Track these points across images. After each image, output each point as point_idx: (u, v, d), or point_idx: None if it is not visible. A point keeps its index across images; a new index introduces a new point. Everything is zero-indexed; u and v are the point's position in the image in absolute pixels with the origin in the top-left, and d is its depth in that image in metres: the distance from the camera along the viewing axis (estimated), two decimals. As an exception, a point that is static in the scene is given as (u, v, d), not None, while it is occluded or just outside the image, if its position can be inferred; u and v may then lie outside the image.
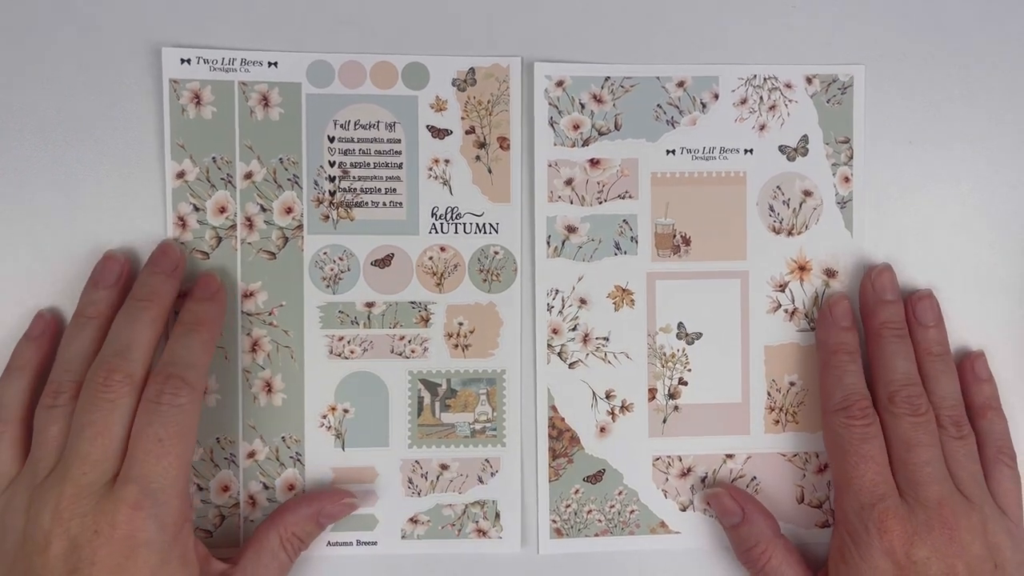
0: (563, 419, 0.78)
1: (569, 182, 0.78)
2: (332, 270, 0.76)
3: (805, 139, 0.78)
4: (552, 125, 0.77)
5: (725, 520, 0.77)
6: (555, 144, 0.78)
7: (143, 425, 0.67)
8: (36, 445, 0.68)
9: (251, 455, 0.76)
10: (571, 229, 0.78)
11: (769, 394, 0.79)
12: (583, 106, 0.78)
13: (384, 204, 0.76)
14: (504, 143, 0.77)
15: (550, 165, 0.78)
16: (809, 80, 0.78)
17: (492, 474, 0.77)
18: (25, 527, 0.65)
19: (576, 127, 0.78)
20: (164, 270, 0.73)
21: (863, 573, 0.69)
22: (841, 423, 0.72)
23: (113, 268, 0.73)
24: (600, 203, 0.78)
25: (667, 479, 0.79)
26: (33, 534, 0.64)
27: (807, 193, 0.78)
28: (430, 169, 0.76)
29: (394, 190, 0.76)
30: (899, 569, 0.68)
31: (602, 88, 0.78)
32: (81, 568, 0.63)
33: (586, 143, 0.78)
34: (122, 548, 0.64)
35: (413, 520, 0.77)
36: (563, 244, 0.78)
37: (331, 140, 0.76)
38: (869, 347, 0.76)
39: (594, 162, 0.78)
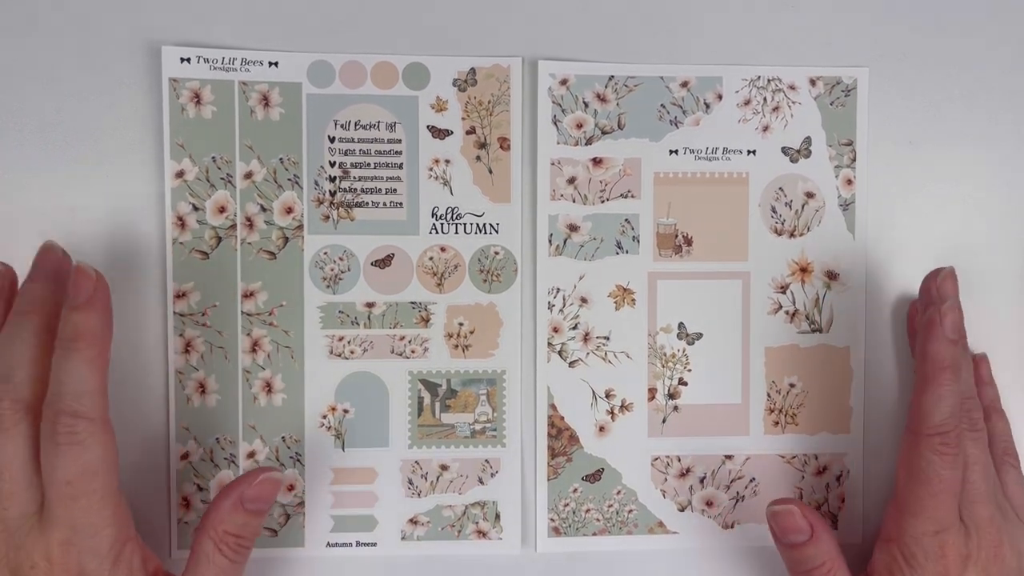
0: (562, 418, 0.78)
1: (571, 181, 0.77)
2: (332, 270, 0.76)
3: (808, 141, 0.78)
4: (555, 123, 0.77)
5: (791, 538, 0.71)
6: (558, 142, 0.77)
7: (48, 468, 0.63)
8: None
9: (251, 455, 0.76)
10: (573, 228, 0.77)
11: (769, 395, 0.79)
12: (587, 105, 0.77)
13: (384, 204, 0.76)
14: (505, 143, 0.77)
15: (553, 163, 0.77)
16: (813, 82, 0.78)
17: (492, 475, 0.77)
18: None
19: (579, 126, 0.77)
20: (44, 276, 0.68)
21: None
22: (935, 448, 0.68)
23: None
24: (602, 202, 0.78)
25: (666, 479, 0.79)
26: None
27: (809, 195, 0.78)
28: (430, 169, 0.76)
29: (394, 190, 0.76)
30: None
31: (606, 87, 0.77)
32: None
33: (589, 142, 0.77)
34: None
35: (413, 521, 0.77)
36: (565, 243, 0.77)
37: (331, 140, 0.75)
38: None
39: (597, 161, 0.77)
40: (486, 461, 0.77)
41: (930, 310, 0.70)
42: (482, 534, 0.77)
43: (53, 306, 0.66)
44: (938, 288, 0.72)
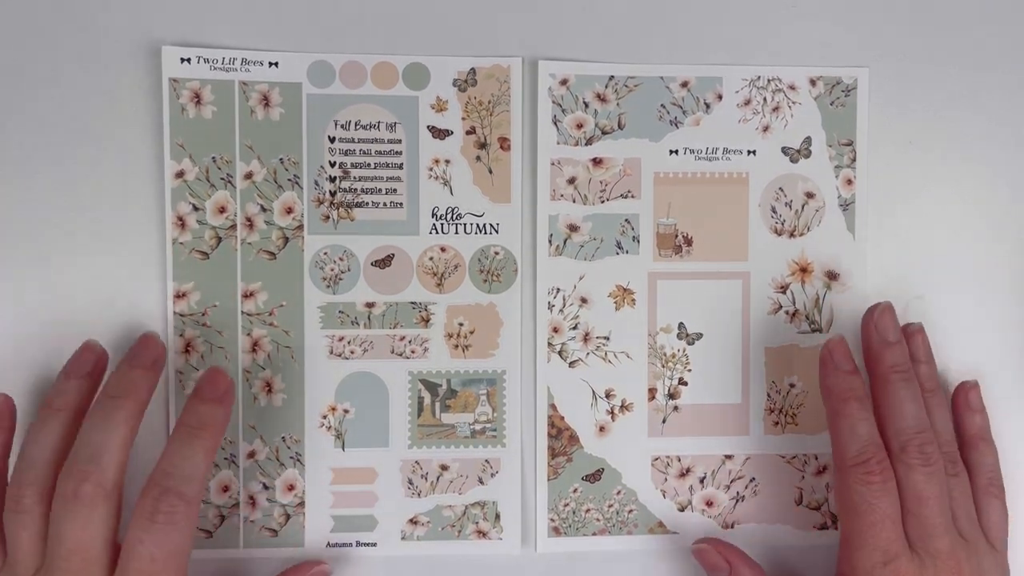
0: (562, 418, 0.78)
1: (572, 181, 0.77)
2: (332, 270, 0.76)
3: (808, 141, 0.78)
4: (556, 123, 0.77)
5: (714, 574, 0.76)
6: (558, 143, 0.77)
7: (134, 542, 0.64)
8: (11, 550, 0.66)
9: (251, 455, 0.76)
10: (573, 228, 0.77)
11: (769, 395, 0.79)
12: (587, 105, 0.77)
13: (384, 204, 0.76)
14: (505, 143, 0.77)
15: (553, 163, 0.77)
16: (813, 82, 0.78)
17: (492, 475, 0.77)
18: None
19: (579, 126, 0.77)
20: (143, 364, 0.70)
21: None
22: (859, 479, 0.69)
23: (88, 358, 0.71)
24: (602, 202, 0.78)
25: (666, 479, 0.79)
26: None
27: (809, 195, 0.78)
28: (430, 169, 0.76)
29: (394, 190, 0.76)
30: None
31: (606, 87, 0.77)
32: None
33: (589, 142, 0.78)
34: None
35: (413, 521, 0.77)
36: (565, 243, 0.77)
37: (331, 140, 0.75)
38: (875, 391, 0.73)
39: (597, 161, 0.77)
40: (486, 461, 0.77)
41: (823, 346, 0.73)
42: (482, 534, 0.77)
43: (144, 395, 0.69)
44: (876, 324, 0.73)
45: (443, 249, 0.77)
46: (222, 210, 0.75)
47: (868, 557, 0.68)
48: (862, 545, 0.69)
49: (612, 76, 0.77)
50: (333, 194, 0.76)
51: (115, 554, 0.65)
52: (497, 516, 0.77)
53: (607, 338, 0.78)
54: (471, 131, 0.76)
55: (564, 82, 0.77)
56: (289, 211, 0.75)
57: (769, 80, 0.78)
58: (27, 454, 0.67)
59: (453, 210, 0.76)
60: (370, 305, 0.76)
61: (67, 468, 0.65)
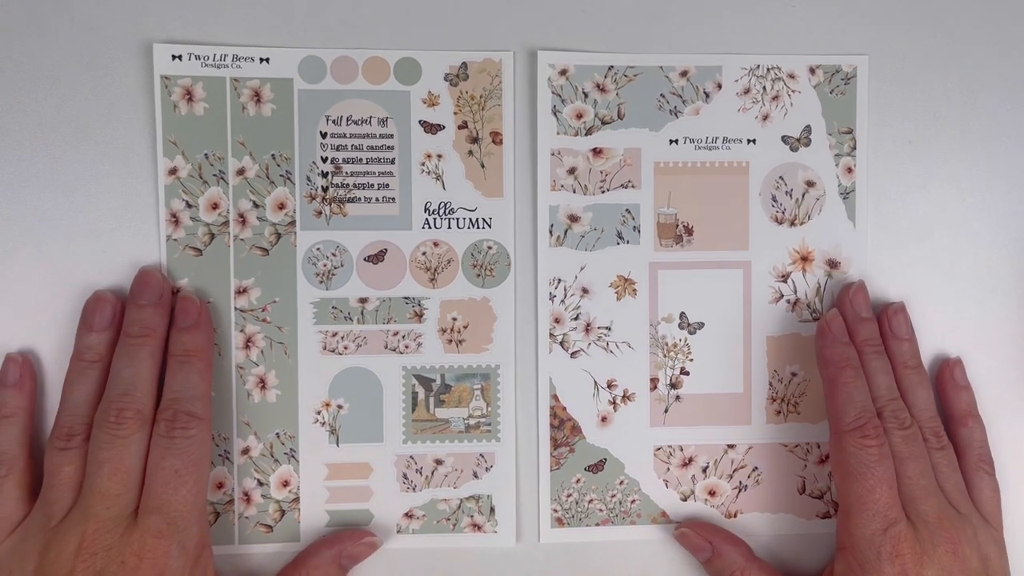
0: (564, 408, 0.78)
1: (572, 171, 0.77)
2: (325, 266, 0.76)
3: (808, 129, 0.77)
4: (555, 114, 0.77)
5: (697, 556, 0.78)
6: (558, 133, 0.77)
7: (158, 459, 0.69)
8: (49, 487, 0.69)
9: (245, 452, 0.76)
10: (573, 218, 0.77)
11: (771, 384, 0.79)
12: (586, 95, 0.77)
13: (377, 199, 0.76)
14: (497, 138, 0.76)
15: (553, 154, 0.77)
16: (812, 70, 0.77)
17: (487, 469, 0.77)
18: (38, 568, 0.66)
19: (579, 116, 0.77)
20: (151, 302, 0.73)
21: None
22: (856, 443, 0.70)
23: (105, 311, 0.73)
24: (603, 192, 0.77)
25: (668, 469, 0.78)
26: (52, 573, 0.65)
27: (810, 183, 0.78)
28: (423, 164, 0.76)
29: (387, 185, 0.76)
30: None
31: (605, 77, 0.77)
32: None
33: (589, 132, 0.77)
34: None
35: (408, 515, 0.77)
36: (565, 233, 0.77)
37: (323, 136, 0.75)
38: None
39: (597, 151, 0.77)
40: (481, 455, 0.77)
41: (821, 319, 0.77)
42: (477, 528, 0.78)
43: (161, 330, 0.73)
44: (851, 301, 0.76)
45: (436, 244, 0.76)
46: (215, 206, 0.75)
47: (867, 524, 0.70)
48: (861, 511, 0.70)
49: (611, 66, 0.77)
50: (325, 189, 0.76)
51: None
52: (492, 509, 0.78)
53: (608, 328, 0.78)
54: (463, 125, 0.76)
55: (563, 72, 0.77)
56: (281, 207, 0.75)
57: (769, 69, 0.77)
58: (68, 399, 0.72)
59: (446, 205, 0.76)
60: (363, 300, 0.76)
61: (104, 403, 0.70)
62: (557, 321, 0.78)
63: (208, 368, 0.73)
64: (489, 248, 0.77)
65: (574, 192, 0.77)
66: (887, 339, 0.76)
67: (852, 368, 0.73)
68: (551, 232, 0.77)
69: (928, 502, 0.70)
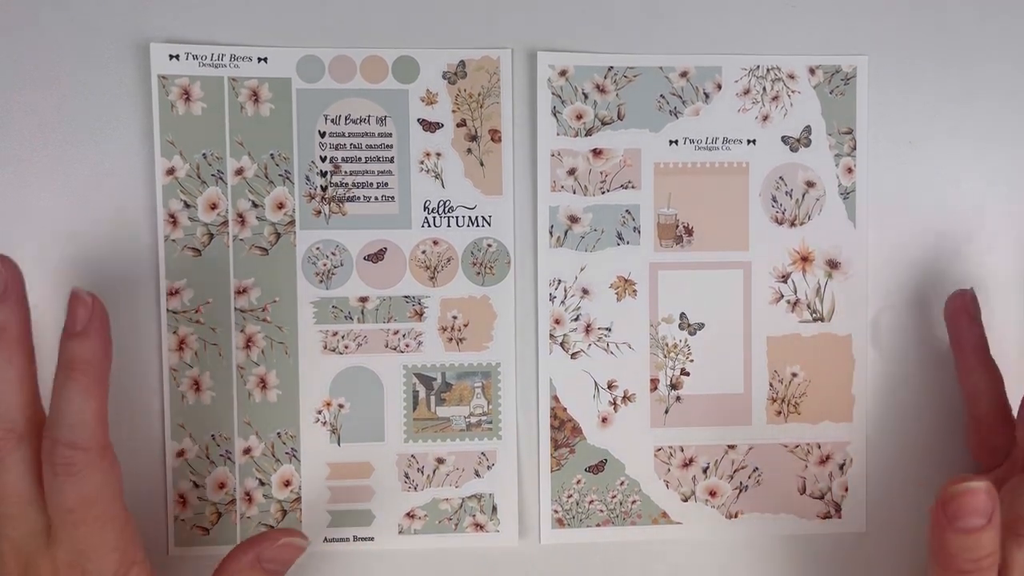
0: (565, 409, 0.78)
1: (572, 172, 0.77)
2: (325, 265, 0.76)
3: (808, 130, 0.77)
4: (555, 114, 0.77)
5: (968, 522, 0.60)
6: (558, 134, 0.77)
7: (50, 493, 0.62)
8: None
9: (247, 451, 0.76)
10: (573, 219, 0.77)
11: (771, 385, 0.78)
12: (586, 96, 0.77)
13: (376, 198, 0.76)
14: (496, 136, 0.76)
15: (553, 155, 0.77)
16: (812, 71, 0.77)
17: (488, 467, 0.77)
18: None
19: (579, 117, 0.77)
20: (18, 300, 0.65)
21: None
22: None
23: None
24: (603, 193, 0.77)
25: (669, 470, 0.78)
26: None
27: (810, 184, 0.78)
28: (422, 163, 0.76)
29: (386, 184, 0.76)
30: None
31: (605, 78, 0.77)
32: None
33: (589, 133, 0.77)
34: None
35: (410, 515, 0.77)
36: (565, 234, 0.77)
37: (322, 135, 0.75)
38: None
39: (597, 152, 0.77)
40: (482, 454, 0.77)
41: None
42: (479, 527, 0.77)
43: (16, 327, 0.64)
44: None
45: (435, 242, 0.76)
46: (213, 207, 0.75)
47: None
48: None
49: (611, 67, 0.77)
50: (324, 189, 0.76)
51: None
52: (494, 508, 0.77)
53: (609, 329, 0.78)
54: (462, 123, 0.76)
55: (563, 73, 0.77)
56: (280, 207, 0.75)
57: (768, 69, 0.77)
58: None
59: (445, 203, 0.76)
60: (363, 299, 0.76)
61: None
62: (557, 322, 0.77)
63: (98, 385, 0.63)
64: (489, 246, 0.77)
65: (574, 193, 0.77)
66: None
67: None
68: (551, 233, 0.77)
69: None
